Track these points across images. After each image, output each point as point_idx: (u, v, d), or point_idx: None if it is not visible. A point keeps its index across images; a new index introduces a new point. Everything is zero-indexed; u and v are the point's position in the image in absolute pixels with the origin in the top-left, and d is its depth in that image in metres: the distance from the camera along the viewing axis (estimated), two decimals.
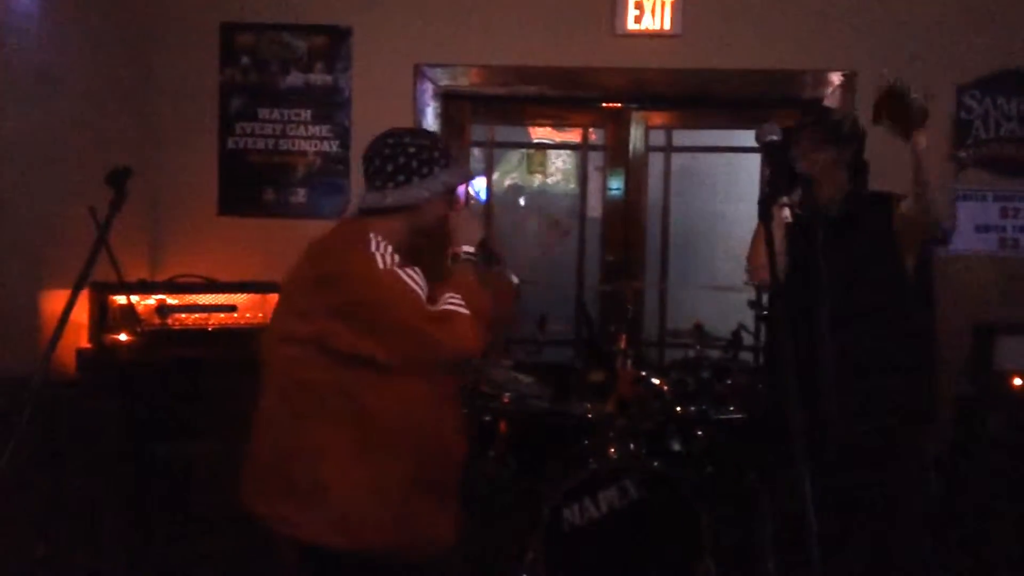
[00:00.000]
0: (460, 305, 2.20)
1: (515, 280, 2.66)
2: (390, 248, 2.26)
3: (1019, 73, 4.50)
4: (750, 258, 3.13)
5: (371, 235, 2.28)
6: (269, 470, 2.33)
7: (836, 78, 4.54)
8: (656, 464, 3.49)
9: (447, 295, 2.21)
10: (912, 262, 2.99)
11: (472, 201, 2.46)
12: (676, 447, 3.74)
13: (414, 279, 2.21)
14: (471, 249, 2.38)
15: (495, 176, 5.37)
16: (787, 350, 2.12)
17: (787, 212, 2.07)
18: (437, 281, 2.30)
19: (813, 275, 2.89)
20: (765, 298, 4.00)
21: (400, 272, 2.20)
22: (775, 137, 2.12)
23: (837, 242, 2.96)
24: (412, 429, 2.27)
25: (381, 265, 2.20)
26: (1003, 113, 4.53)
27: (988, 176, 4.55)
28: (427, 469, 2.31)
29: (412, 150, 2.38)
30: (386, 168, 2.37)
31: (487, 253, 2.48)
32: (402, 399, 2.26)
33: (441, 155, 2.41)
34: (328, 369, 2.24)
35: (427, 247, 2.48)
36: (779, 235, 2.76)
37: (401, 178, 2.37)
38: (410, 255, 2.34)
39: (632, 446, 3.58)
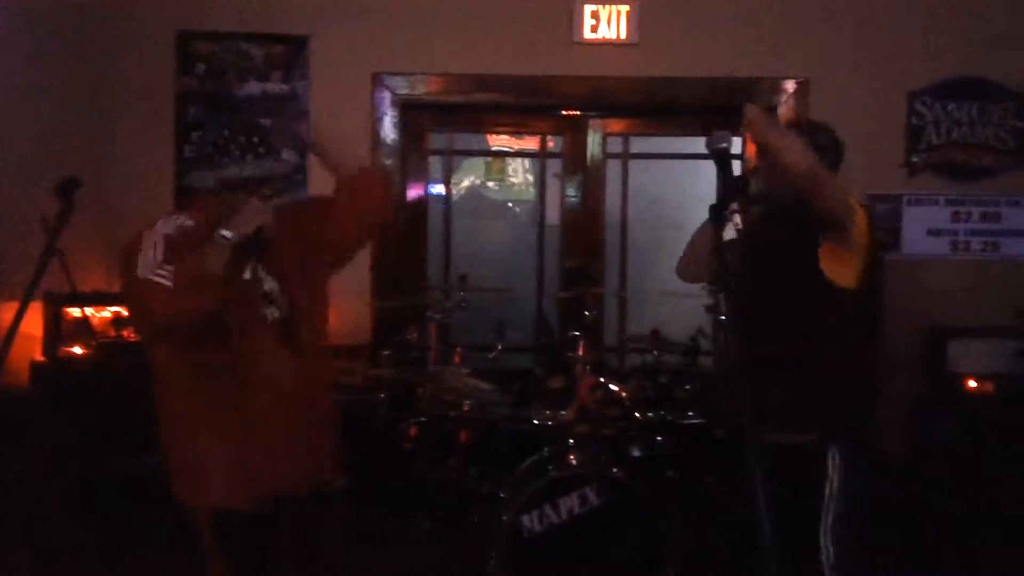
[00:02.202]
0: (164, 277, 2.26)
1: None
2: (172, 223, 2.40)
3: (970, 79, 4.58)
4: (682, 257, 3.08)
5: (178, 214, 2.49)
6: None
7: (790, 85, 4.60)
8: (616, 471, 3.50)
9: (163, 265, 2.28)
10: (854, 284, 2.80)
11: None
12: (636, 453, 3.75)
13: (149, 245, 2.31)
14: (227, 233, 2.32)
15: (454, 184, 5.37)
16: (738, 354, 2.13)
17: (738, 219, 2.08)
18: None
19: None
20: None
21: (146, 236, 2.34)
22: (725, 144, 2.14)
23: (759, 235, 2.86)
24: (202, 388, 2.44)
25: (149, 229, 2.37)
26: (954, 119, 4.61)
27: (940, 181, 4.63)
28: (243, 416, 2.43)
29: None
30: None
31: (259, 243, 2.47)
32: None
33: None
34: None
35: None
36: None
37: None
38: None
39: (592, 453, 3.59)
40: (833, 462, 2.78)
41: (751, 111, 2.71)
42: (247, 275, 2.48)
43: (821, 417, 2.83)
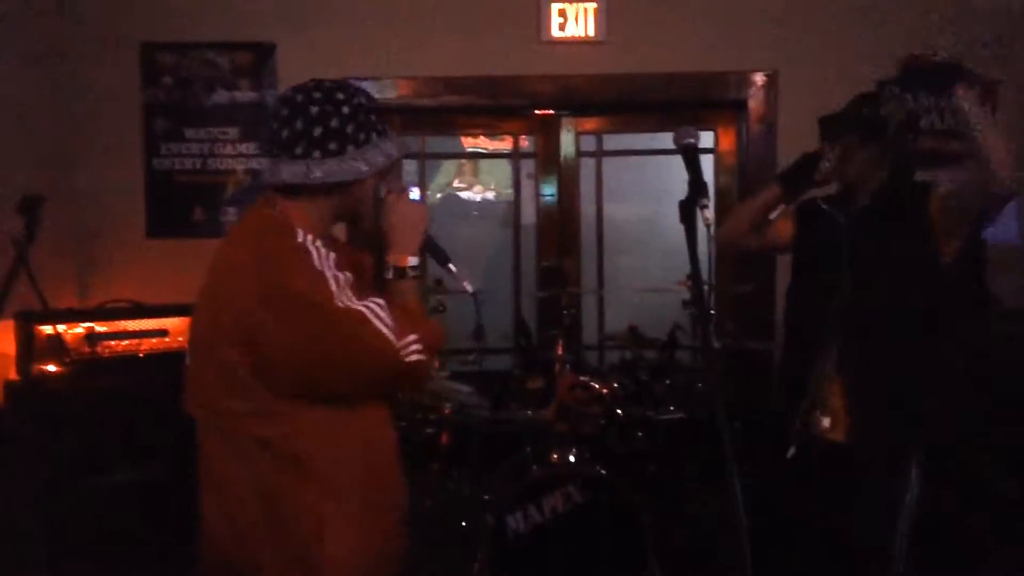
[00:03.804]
0: (418, 351, 1.81)
1: (469, 289, 2.24)
2: (331, 259, 1.80)
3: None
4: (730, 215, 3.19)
5: (297, 232, 1.82)
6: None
7: (759, 78, 4.62)
8: (598, 468, 3.51)
9: (409, 338, 1.80)
10: (952, 250, 2.79)
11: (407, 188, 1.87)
12: (618, 450, 3.76)
13: (372, 309, 1.78)
14: (417, 262, 1.91)
15: (428, 187, 5.36)
16: (712, 353, 2.14)
17: (708, 215, 2.07)
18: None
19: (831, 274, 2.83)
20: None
21: (351, 300, 1.77)
22: (692, 140, 2.13)
23: (866, 239, 2.82)
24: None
25: (326, 284, 1.76)
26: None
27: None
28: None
29: (346, 109, 1.85)
30: (311, 131, 1.83)
31: (435, 253, 2.07)
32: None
33: (379, 119, 1.92)
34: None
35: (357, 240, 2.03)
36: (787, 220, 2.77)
37: (333, 146, 1.83)
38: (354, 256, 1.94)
39: (574, 451, 3.60)
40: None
41: (964, 94, 2.63)
42: None
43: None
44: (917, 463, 2.76)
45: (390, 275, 1.93)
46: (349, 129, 1.85)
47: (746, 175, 4.70)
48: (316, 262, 1.77)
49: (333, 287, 1.76)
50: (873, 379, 2.77)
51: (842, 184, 2.97)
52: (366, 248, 2.08)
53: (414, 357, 1.79)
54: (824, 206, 3.01)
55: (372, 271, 2.02)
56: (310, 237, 1.81)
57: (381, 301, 1.81)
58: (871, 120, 2.88)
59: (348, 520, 1.85)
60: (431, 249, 2.06)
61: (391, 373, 1.81)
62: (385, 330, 1.77)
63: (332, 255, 1.81)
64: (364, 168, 1.85)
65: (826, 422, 2.84)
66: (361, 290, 1.81)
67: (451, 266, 2.09)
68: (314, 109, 1.84)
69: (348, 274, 1.81)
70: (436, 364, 1.95)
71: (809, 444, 2.86)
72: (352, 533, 1.86)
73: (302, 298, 1.73)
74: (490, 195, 6.28)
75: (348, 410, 1.86)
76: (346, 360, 1.79)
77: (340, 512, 1.84)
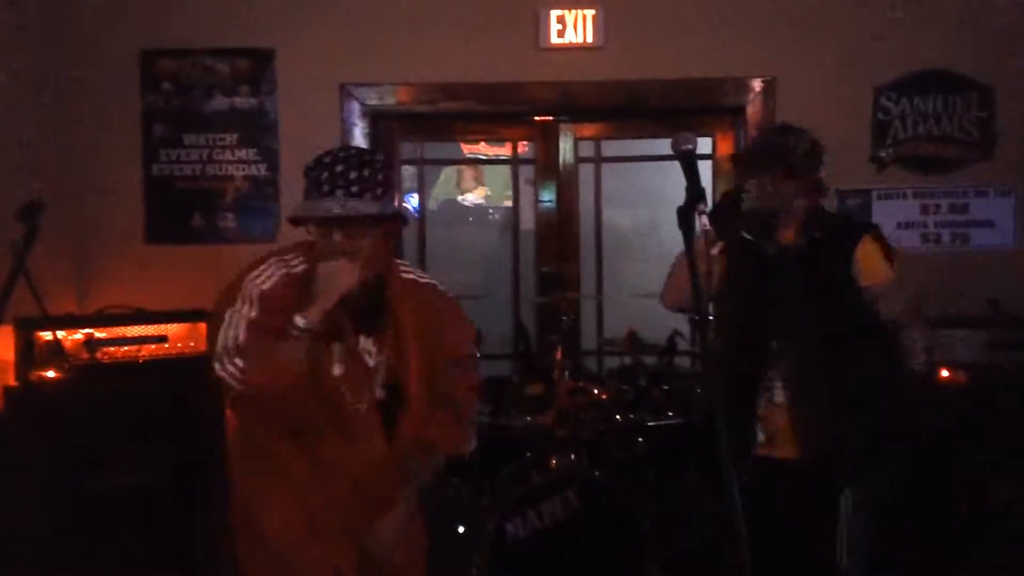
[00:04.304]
0: (235, 374, 2.08)
1: None
2: (276, 275, 2.18)
3: (934, 73, 4.62)
4: (667, 284, 3.10)
5: (286, 254, 2.22)
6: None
7: (757, 84, 4.63)
8: (597, 473, 3.51)
9: (235, 359, 2.09)
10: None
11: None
12: (617, 455, 3.76)
13: (230, 321, 2.14)
14: (302, 323, 2.06)
15: (428, 193, 5.37)
16: (714, 361, 2.15)
17: (706, 220, 2.08)
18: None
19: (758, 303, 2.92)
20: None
21: (238, 305, 2.16)
22: (690, 146, 2.15)
23: (798, 267, 2.90)
24: None
25: (240, 290, 2.18)
26: (920, 112, 4.65)
27: (908, 174, 4.66)
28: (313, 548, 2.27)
29: (380, 164, 2.18)
30: (362, 174, 2.11)
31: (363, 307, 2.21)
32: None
33: (328, 176, 2.15)
34: None
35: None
36: (700, 246, 2.77)
37: (380, 191, 2.14)
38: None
39: (573, 456, 3.60)
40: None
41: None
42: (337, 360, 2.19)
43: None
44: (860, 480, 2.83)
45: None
46: (380, 178, 2.16)
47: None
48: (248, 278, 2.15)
49: (247, 288, 2.13)
50: (816, 400, 2.84)
51: (764, 216, 2.97)
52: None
53: (222, 374, 2.07)
54: (749, 238, 3.03)
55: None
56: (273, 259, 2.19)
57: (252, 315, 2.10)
58: (782, 153, 2.93)
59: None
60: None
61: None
62: (221, 337, 2.09)
63: (278, 274, 2.14)
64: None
65: (775, 443, 2.91)
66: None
67: None
68: (354, 161, 2.15)
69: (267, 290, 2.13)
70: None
71: (762, 466, 2.89)
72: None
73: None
74: (489, 201, 6.30)
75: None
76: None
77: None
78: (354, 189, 2.09)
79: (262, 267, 2.17)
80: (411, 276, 2.37)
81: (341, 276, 2.09)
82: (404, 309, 2.28)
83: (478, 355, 2.40)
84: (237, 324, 2.08)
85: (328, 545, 2.24)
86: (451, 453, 2.37)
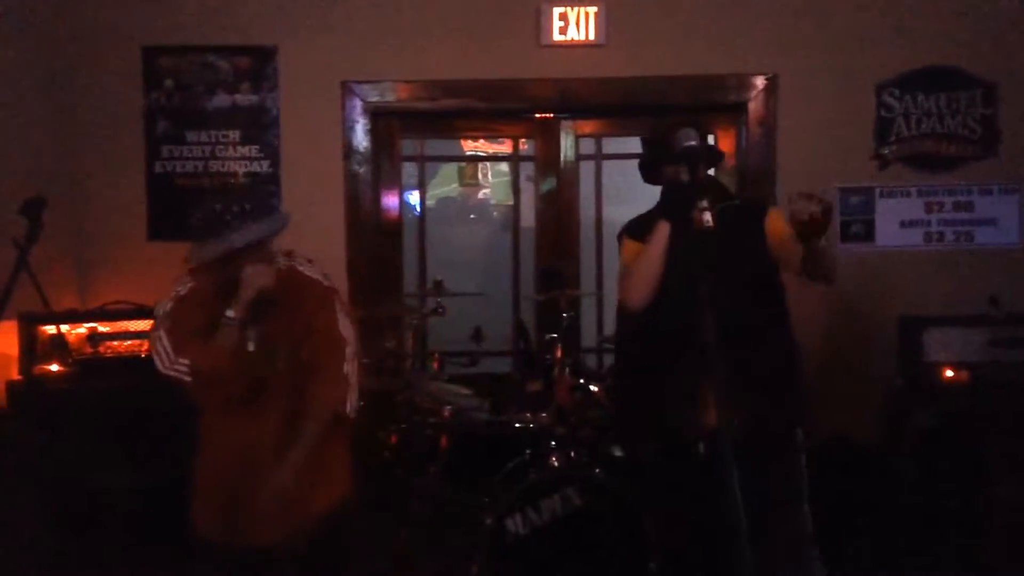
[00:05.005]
0: (183, 371, 2.59)
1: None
2: (170, 299, 2.70)
3: (937, 68, 4.61)
4: (626, 282, 3.03)
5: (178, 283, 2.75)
6: None
7: (759, 81, 4.62)
8: (597, 471, 3.51)
9: (179, 359, 2.59)
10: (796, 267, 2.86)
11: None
12: (616, 453, 3.76)
13: (159, 337, 2.64)
14: (231, 314, 2.60)
15: (428, 190, 5.37)
16: (712, 355, 2.15)
17: (707, 216, 2.09)
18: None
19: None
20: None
21: (157, 326, 2.67)
22: (692, 143, 2.15)
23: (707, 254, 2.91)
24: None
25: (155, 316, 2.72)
26: (923, 110, 4.64)
27: (911, 172, 4.66)
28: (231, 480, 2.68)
29: (205, 217, 2.71)
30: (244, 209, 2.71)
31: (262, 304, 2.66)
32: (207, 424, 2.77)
33: (232, 220, 2.64)
34: None
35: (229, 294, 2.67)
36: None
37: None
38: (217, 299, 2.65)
39: (572, 454, 3.60)
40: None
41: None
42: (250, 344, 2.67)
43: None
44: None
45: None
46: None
47: (745, 178, 4.70)
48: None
49: (157, 311, 2.72)
50: (736, 373, 2.83)
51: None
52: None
53: (172, 373, 2.60)
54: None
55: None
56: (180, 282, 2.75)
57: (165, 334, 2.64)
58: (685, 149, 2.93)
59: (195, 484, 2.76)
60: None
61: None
62: (154, 357, 2.63)
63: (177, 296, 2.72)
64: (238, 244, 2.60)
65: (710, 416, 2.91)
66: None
67: None
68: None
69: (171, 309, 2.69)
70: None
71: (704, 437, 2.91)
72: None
73: None
74: (489, 198, 6.30)
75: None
76: None
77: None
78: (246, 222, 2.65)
79: (162, 303, 2.72)
80: (300, 270, 2.84)
81: (260, 277, 2.62)
82: (288, 299, 2.76)
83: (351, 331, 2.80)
84: (160, 340, 2.62)
85: (241, 477, 2.66)
86: (334, 411, 2.73)
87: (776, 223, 2.87)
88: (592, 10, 4.60)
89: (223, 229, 2.62)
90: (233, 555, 2.70)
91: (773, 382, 2.89)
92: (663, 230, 2.81)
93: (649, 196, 3.23)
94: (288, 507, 2.63)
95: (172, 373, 2.59)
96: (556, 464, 3.55)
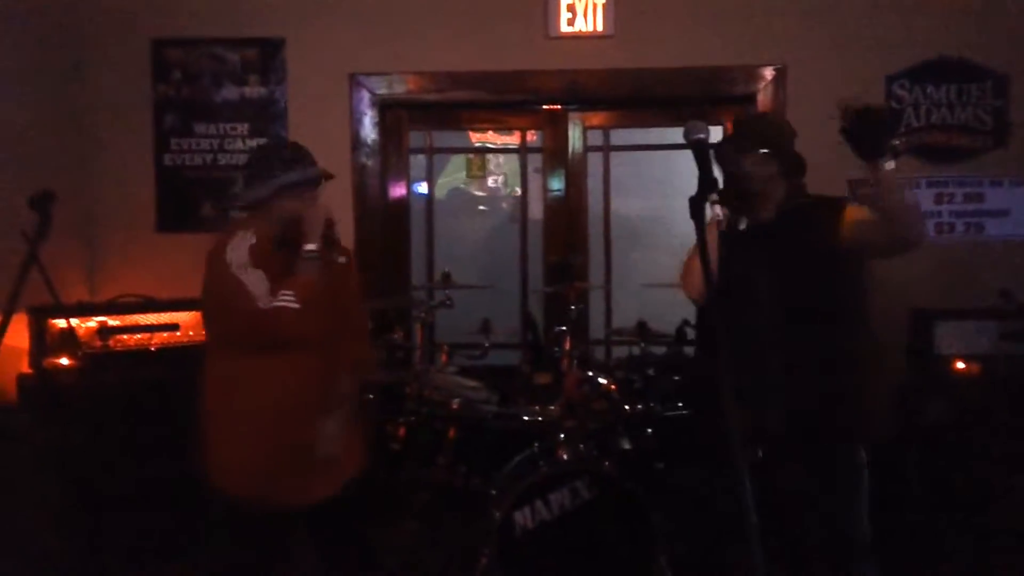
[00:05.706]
0: (290, 300, 2.51)
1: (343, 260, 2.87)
2: (244, 247, 2.58)
3: (947, 60, 4.59)
4: (683, 275, 3.03)
5: (237, 234, 2.61)
6: None
7: (768, 72, 4.61)
8: (606, 464, 3.51)
9: (281, 292, 2.53)
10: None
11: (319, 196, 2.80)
12: (625, 446, 3.75)
13: (249, 279, 2.55)
14: (312, 247, 2.62)
15: (436, 182, 5.37)
16: (725, 353, 2.13)
17: (718, 210, 2.07)
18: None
19: (743, 285, 2.86)
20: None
21: (238, 272, 2.55)
22: (702, 135, 2.13)
23: (773, 251, 2.88)
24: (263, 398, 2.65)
25: (227, 264, 2.56)
26: (933, 101, 4.62)
27: (921, 163, 4.63)
28: (280, 431, 2.64)
29: (252, 157, 2.80)
30: (244, 174, 2.81)
31: (329, 239, 2.73)
32: (251, 373, 2.64)
33: (282, 160, 2.72)
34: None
35: (291, 240, 2.69)
36: (712, 235, 2.76)
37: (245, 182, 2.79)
38: (277, 249, 2.66)
39: (581, 447, 3.59)
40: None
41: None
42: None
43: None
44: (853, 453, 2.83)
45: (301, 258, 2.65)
46: (253, 169, 2.75)
47: None
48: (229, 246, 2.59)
49: (230, 259, 2.56)
50: (807, 376, 2.81)
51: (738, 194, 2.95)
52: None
53: (278, 304, 2.50)
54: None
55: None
56: (240, 244, 2.59)
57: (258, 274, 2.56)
58: (763, 135, 2.98)
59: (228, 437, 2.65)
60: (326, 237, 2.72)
61: (251, 316, 2.52)
62: (252, 288, 2.52)
63: (245, 255, 2.57)
64: (264, 193, 2.68)
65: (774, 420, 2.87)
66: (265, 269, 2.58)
67: None
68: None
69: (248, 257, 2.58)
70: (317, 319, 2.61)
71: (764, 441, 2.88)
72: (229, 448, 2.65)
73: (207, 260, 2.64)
74: (497, 190, 6.28)
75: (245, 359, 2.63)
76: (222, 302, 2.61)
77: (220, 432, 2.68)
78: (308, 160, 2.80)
79: (228, 245, 2.60)
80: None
81: (323, 210, 2.69)
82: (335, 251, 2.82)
83: None
84: (249, 277, 2.54)
85: (291, 428, 2.66)
86: (367, 375, 2.89)
87: (854, 213, 2.82)
88: (600, 1, 4.59)
89: (271, 171, 2.68)
90: (265, 514, 2.64)
91: (827, 384, 2.81)
92: (711, 233, 2.82)
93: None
94: (336, 463, 2.68)
95: (278, 304, 2.51)
96: (565, 457, 3.55)
